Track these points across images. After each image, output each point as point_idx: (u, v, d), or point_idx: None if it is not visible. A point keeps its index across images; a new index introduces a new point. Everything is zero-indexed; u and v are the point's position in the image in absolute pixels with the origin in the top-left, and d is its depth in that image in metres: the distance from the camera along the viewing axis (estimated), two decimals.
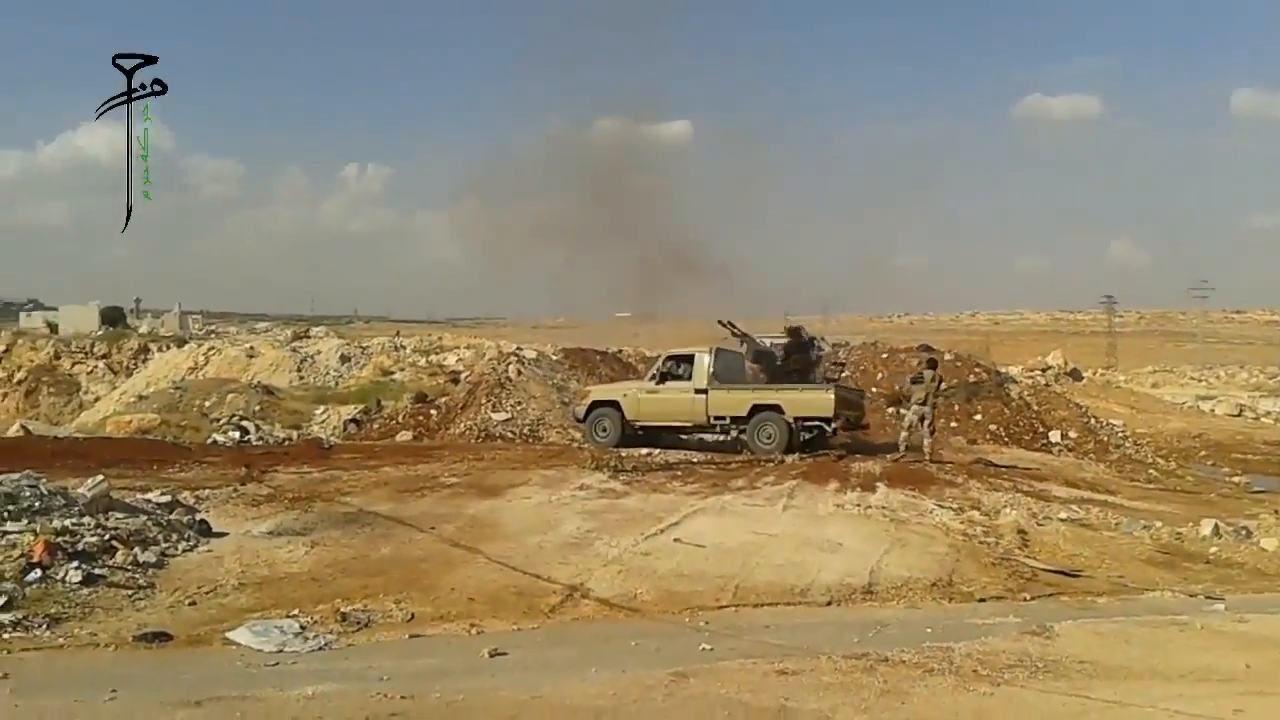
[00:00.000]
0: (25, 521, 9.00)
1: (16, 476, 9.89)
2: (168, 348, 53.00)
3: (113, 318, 65.82)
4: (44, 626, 7.11)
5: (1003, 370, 33.05)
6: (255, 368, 40.58)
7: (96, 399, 49.19)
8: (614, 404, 21.29)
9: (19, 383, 57.03)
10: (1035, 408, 28.05)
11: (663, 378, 21.24)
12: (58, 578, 7.99)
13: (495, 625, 7.74)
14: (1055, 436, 25.97)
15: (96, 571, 8.27)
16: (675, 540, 10.79)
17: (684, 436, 21.25)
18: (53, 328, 65.43)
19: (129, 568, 8.60)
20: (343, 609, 7.82)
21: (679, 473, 16.70)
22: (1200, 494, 18.61)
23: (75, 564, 8.22)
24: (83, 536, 8.87)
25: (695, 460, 18.66)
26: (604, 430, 21.00)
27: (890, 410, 25.61)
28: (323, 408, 31.18)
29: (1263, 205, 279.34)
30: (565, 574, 9.30)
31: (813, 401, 20.07)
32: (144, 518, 9.98)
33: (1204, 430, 29.87)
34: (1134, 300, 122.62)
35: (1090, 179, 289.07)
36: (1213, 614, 8.46)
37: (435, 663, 6.68)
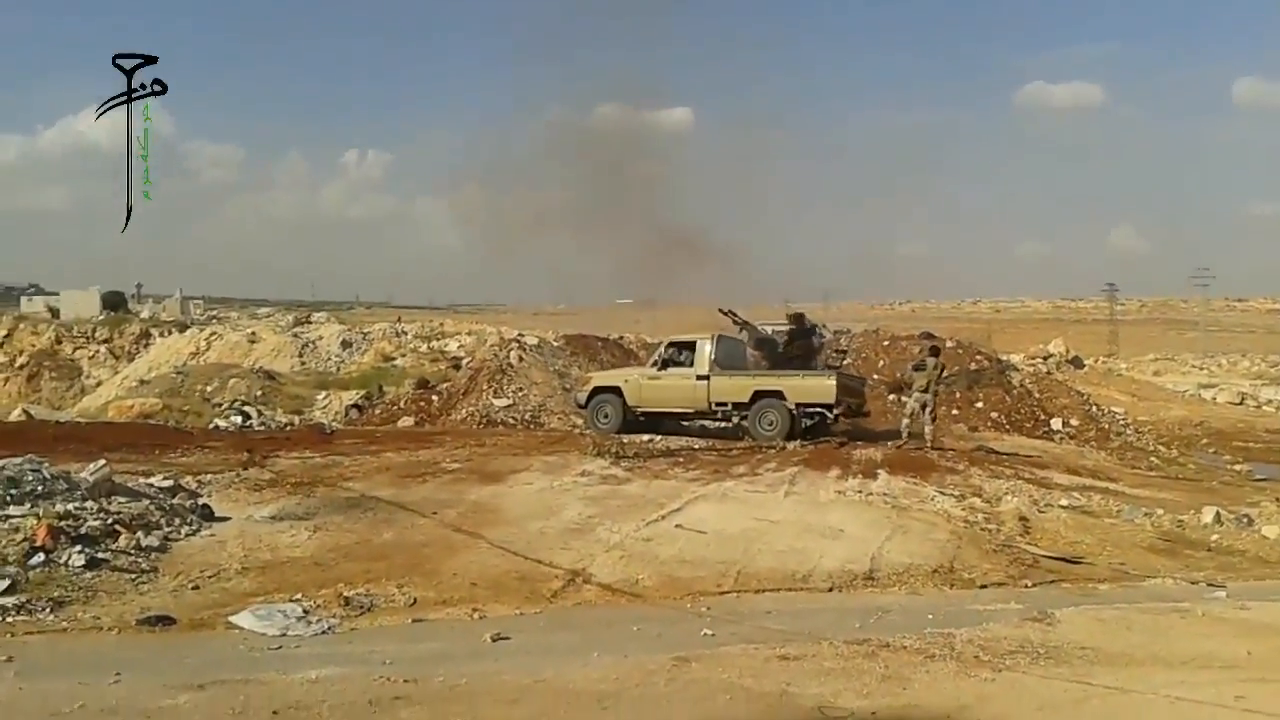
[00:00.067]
0: (28, 505, 9.01)
1: (19, 461, 9.89)
2: (169, 333, 52.98)
3: (114, 302, 65.78)
4: (47, 610, 7.12)
5: (1004, 358, 33.00)
6: (257, 353, 40.59)
7: (98, 384, 49.20)
8: (616, 390, 21.29)
9: (20, 367, 57.04)
10: (1037, 395, 28.04)
11: (664, 364, 21.22)
12: (61, 561, 8.01)
13: (497, 610, 7.74)
14: (1057, 424, 25.97)
15: (99, 555, 8.28)
16: (677, 526, 10.80)
17: (685, 423, 21.24)
18: (54, 312, 65.40)
19: (132, 552, 8.61)
20: (345, 593, 7.83)
21: (680, 459, 16.70)
22: (1202, 481, 18.60)
23: (78, 548, 8.23)
24: (85, 521, 8.88)
25: (697, 447, 18.66)
26: (605, 417, 20.99)
27: (891, 397, 25.62)
28: (324, 393, 31.19)
29: (1264, 193, 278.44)
30: (567, 559, 9.31)
31: (814, 388, 20.06)
32: (146, 502, 10.00)
33: (1205, 418, 29.84)
34: (1135, 288, 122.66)
35: (1091, 166, 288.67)
36: (1214, 601, 8.49)
37: (438, 647, 6.69)
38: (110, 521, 9.06)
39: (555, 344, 32.61)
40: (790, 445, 18.72)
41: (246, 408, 27.47)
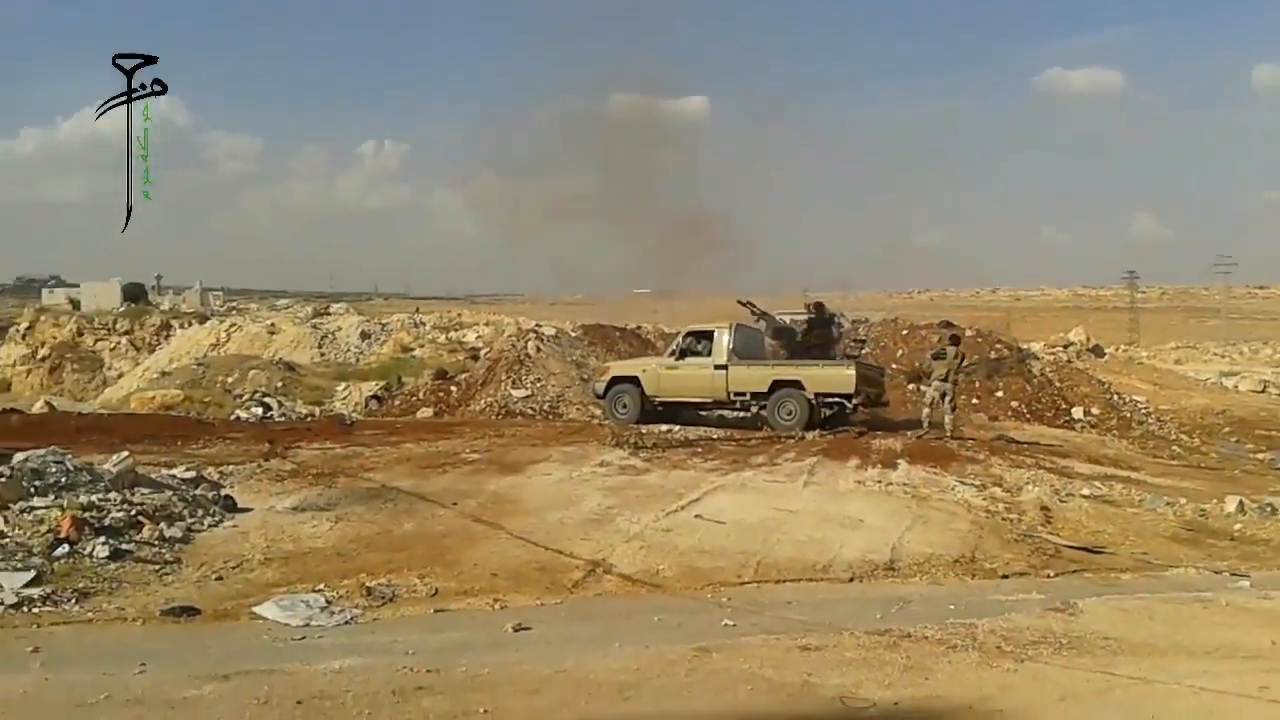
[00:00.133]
0: (52, 497, 9.07)
1: (43, 452, 9.94)
2: (189, 324, 53.27)
3: (134, 294, 66.14)
4: (72, 601, 7.17)
5: (1024, 346, 32.85)
6: (276, 344, 40.81)
7: (120, 375, 49.57)
8: (634, 380, 21.28)
9: (43, 359, 57.55)
10: (1057, 384, 27.91)
11: (682, 354, 21.19)
12: (85, 553, 8.06)
13: (518, 600, 7.76)
14: (1078, 413, 25.85)
15: (123, 547, 8.33)
16: (696, 516, 10.80)
17: (704, 413, 21.25)
18: (75, 304, 65.81)
19: (155, 543, 8.66)
20: (367, 584, 7.86)
21: (699, 449, 16.70)
22: (1224, 470, 18.48)
23: (102, 539, 8.28)
24: (109, 512, 8.94)
25: (715, 437, 18.65)
26: (624, 407, 21.00)
27: (911, 387, 25.56)
28: (344, 384, 31.34)
29: None
30: (587, 550, 9.32)
31: (833, 378, 20.00)
32: (169, 493, 10.05)
33: (1227, 406, 29.56)
34: (1156, 276, 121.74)
35: (1111, 153, 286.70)
36: (1237, 591, 8.45)
37: (459, 637, 6.71)
38: (134, 513, 9.11)
39: (573, 334, 32.64)
40: (809, 435, 18.70)
41: (267, 399, 27.61)
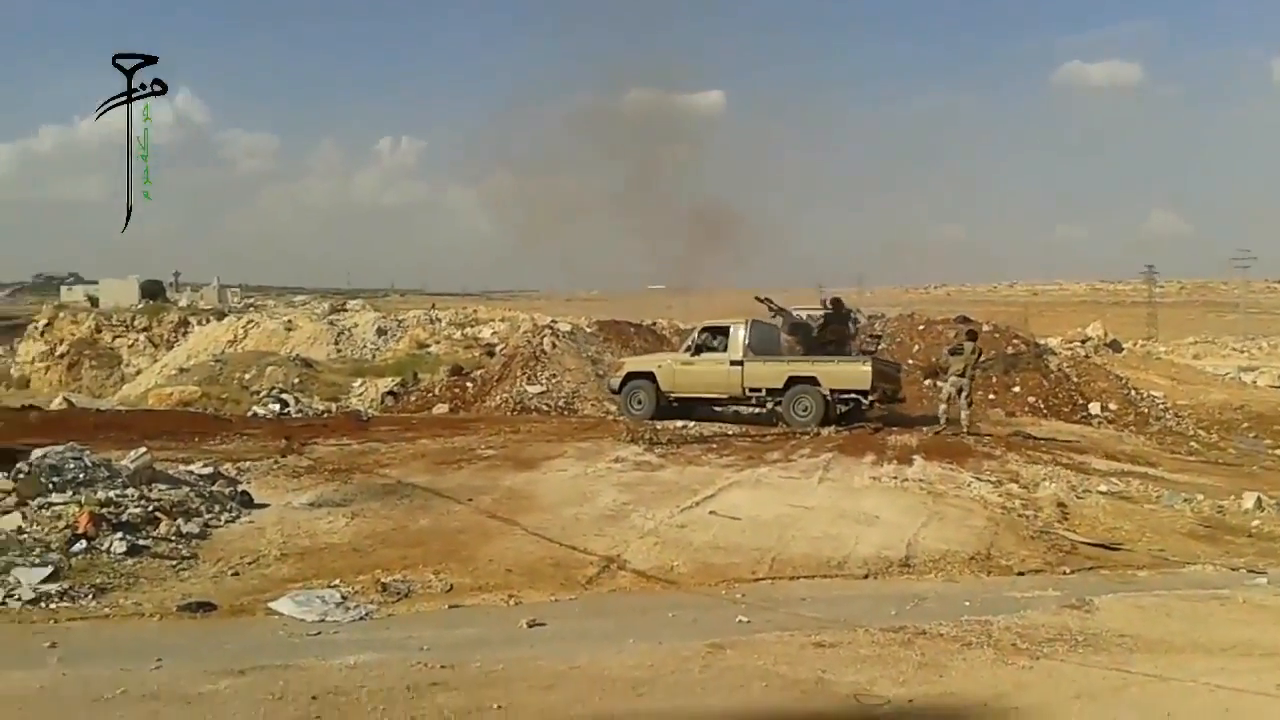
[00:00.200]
0: (70, 493, 9.12)
1: (61, 448, 10.01)
2: (207, 321, 53.59)
3: (152, 291, 66.59)
4: (90, 596, 7.21)
5: (1041, 341, 32.73)
6: (293, 340, 40.98)
7: (138, 372, 49.88)
8: (649, 376, 21.26)
9: (61, 356, 57.95)
10: (1074, 379, 27.80)
11: (698, 350, 21.15)
12: (103, 548, 8.11)
13: (533, 596, 7.76)
14: (1095, 408, 25.74)
15: (140, 542, 8.38)
16: (711, 513, 10.79)
17: (719, 409, 21.22)
18: (93, 301, 66.28)
19: (172, 538, 8.71)
20: (383, 579, 7.88)
21: (714, 445, 16.69)
22: (1242, 466, 18.37)
23: (120, 535, 8.32)
24: (127, 508, 8.99)
25: (730, 433, 18.63)
26: (639, 403, 20.99)
27: (927, 382, 25.50)
28: (360, 380, 31.44)
29: None
30: (602, 546, 9.32)
31: (849, 374, 19.95)
32: (186, 489, 10.10)
33: (1246, 402, 29.36)
34: (1175, 270, 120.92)
35: (1129, 147, 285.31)
36: (1255, 588, 8.40)
37: (474, 633, 6.72)
38: (151, 508, 9.16)
39: (588, 330, 32.69)
40: (825, 431, 18.66)
41: (284, 395, 27.72)
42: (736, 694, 5.51)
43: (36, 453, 9.82)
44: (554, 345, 28.12)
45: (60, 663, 5.70)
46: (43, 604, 6.98)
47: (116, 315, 60.81)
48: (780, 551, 9.33)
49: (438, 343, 38.98)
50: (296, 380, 31.03)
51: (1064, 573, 9.06)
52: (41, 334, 61.06)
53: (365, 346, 40.66)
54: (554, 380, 25.87)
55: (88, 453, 10.16)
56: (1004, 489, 12.64)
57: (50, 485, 9.26)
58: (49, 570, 7.46)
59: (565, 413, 23.55)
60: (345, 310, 50.55)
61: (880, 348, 25.43)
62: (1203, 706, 5.45)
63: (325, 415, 23.40)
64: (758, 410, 20.79)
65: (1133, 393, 27.62)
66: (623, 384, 21.64)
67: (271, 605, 7.20)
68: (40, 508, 8.74)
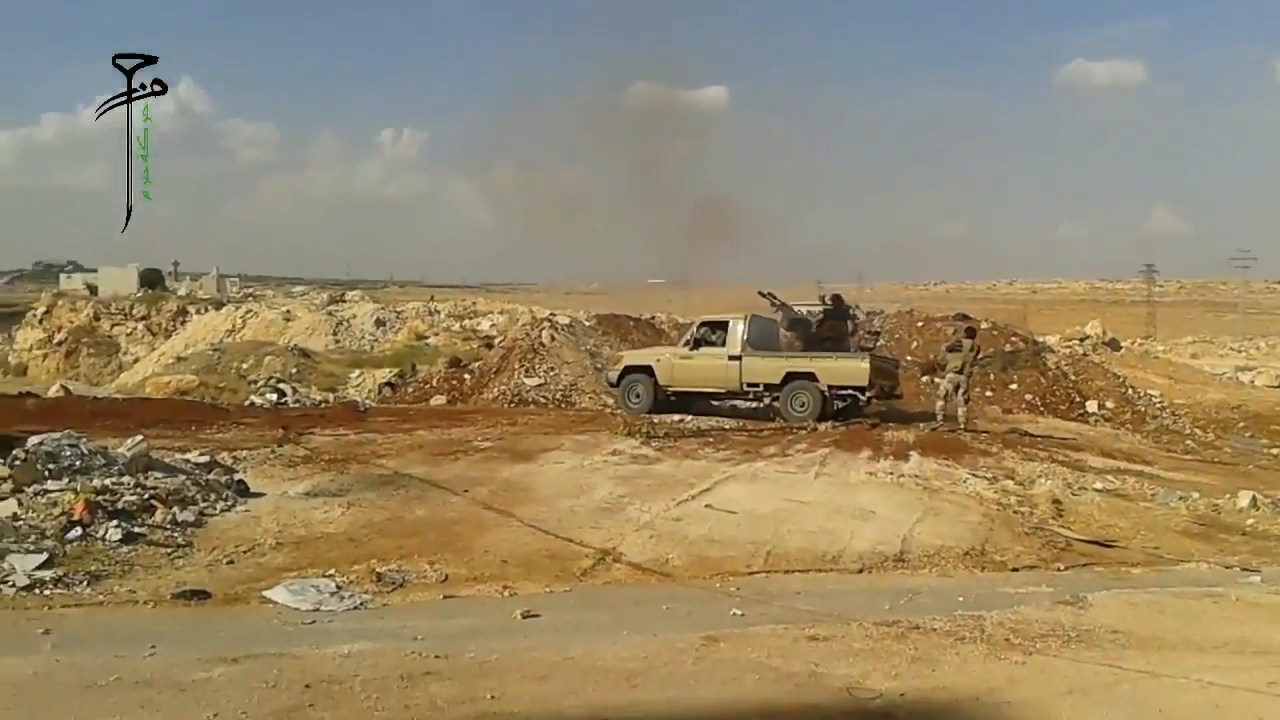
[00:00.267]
0: (66, 480, 9.11)
1: (57, 436, 9.99)
2: (206, 310, 53.59)
3: (151, 280, 66.51)
4: (84, 584, 7.21)
5: (1040, 339, 32.77)
6: (292, 331, 41.01)
7: (135, 360, 49.88)
8: (647, 369, 21.24)
9: (59, 344, 57.95)
10: (1072, 377, 27.81)
11: (696, 344, 21.15)
12: (98, 536, 8.10)
13: (528, 587, 7.77)
14: (1092, 406, 25.77)
15: (136, 530, 8.37)
16: (707, 506, 10.79)
17: (716, 403, 21.23)
18: (92, 289, 66.24)
19: (168, 526, 8.70)
20: (378, 569, 7.89)
21: (711, 439, 16.69)
22: (1238, 465, 18.40)
23: (115, 522, 8.32)
24: (122, 495, 8.98)
25: (727, 427, 18.64)
26: (637, 396, 20.98)
27: (925, 379, 25.50)
28: (358, 371, 31.48)
29: None
30: (597, 538, 9.33)
31: (847, 370, 19.95)
32: (182, 477, 10.09)
33: (1243, 401, 29.41)
34: (1174, 270, 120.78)
35: (1131, 146, 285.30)
36: (1248, 586, 8.41)
37: (469, 623, 6.73)
38: (147, 496, 9.15)
39: (587, 323, 32.66)
40: (822, 426, 18.66)
41: (282, 385, 27.77)
42: (730, 686, 5.52)
43: (33, 440, 9.81)
44: (552, 338, 28.10)
45: (54, 649, 5.71)
46: (37, 591, 6.99)
47: (115, 304, 60.81)
48: (775, 545, 9.34)
49: (436, 334, 39.04)
50: (294, 370, 31.07)
51: (1058, 569, 9.07)
52: (40, 321, 61.07)
53: (363, 337, 40.71)
54: (552, 373, 25.85)
55: (84, 440, 10.15)
56: (999, 485, 12.64)
57: (46, 472, 9.25)
58: (44, 557, 7.46)
59: (563, 405, 23.54)
60: (344, 301, 50.60)
61: (879, 344, 25.44)
62: (1194, 703, 5.46)
63: (322, 405, 23.41)
64: (755, 405, 20.77)
65: (1130, 391, 27.65)
66: (621, 377, 21.63)
67: (266, 594, 7.21)
68: (36, 494, 8.73)
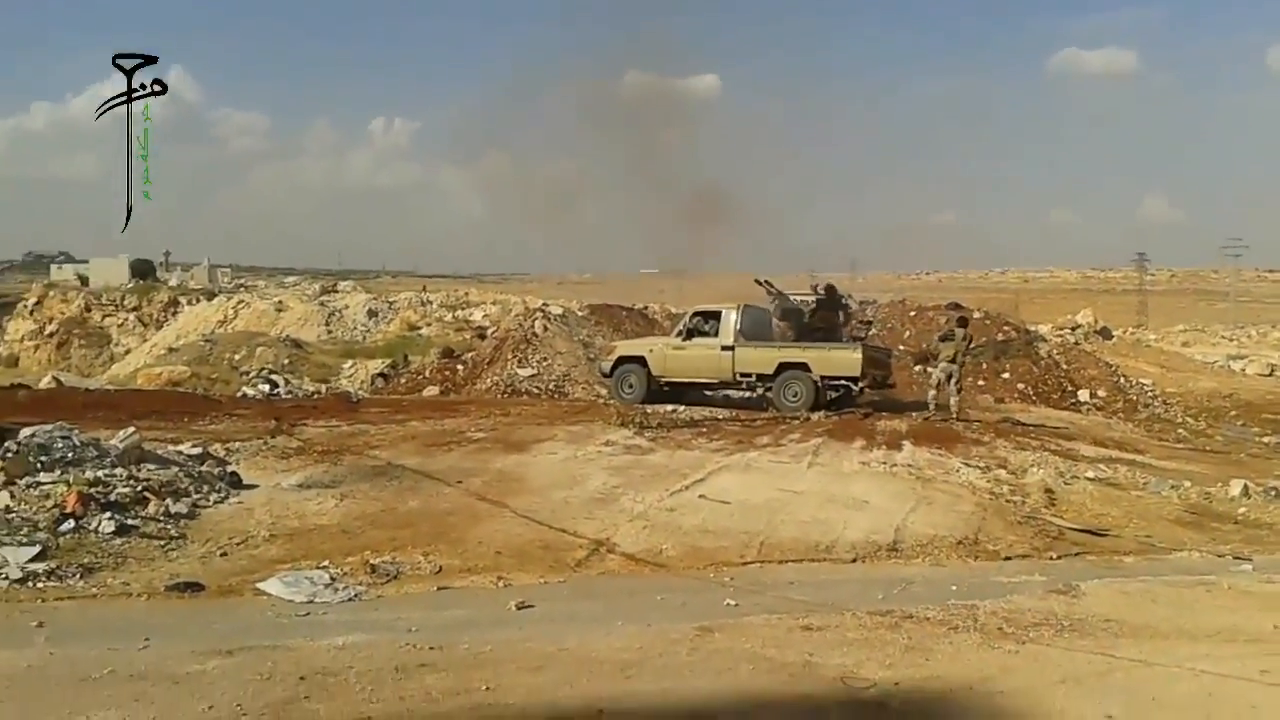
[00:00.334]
0: (58, 472, 9.10)
1: (49, 428, 9.98)
2: (197, 301, 53.46)
3: (142, 271, 66.26)
4: (78, 576, 7.20)
5: (1032, 328, 32.83)
6: (284, 321, 40.92)
7: (127, 351, 49.76)
8: (640, 360, 21.22)
9: (50, 335, 57.74)
10: (1064, 366, 27.89)
11: (689, 334, 21.12)
12: (91, 528, 8.09)
13: (522, 578, 7.78)
14: (1084, 395, 25.85)
15: (129, 522, 8.36)
16: (700, 496, 10.80)
17: (709, 393, 21.21)
18: (83, 280, 66.03)
19: (161, 518, 8.69)
20: (372, 561, 7.89)
21: (704, 429, 16.70)
22: (1230, 454, 18.44)
23: (108, 514, 8.31)
24: (115, 487, 8.97)
25: (721, 417, 18.65)
26: (630, 386, 20.96)
27: (918, 368, 25.54)
28: (350, 362, 31.44)
29: None
30: (591, 529, 9.34)
31: (840, 360, 19.95)
32: (175, 469, 10.08)
33: (1234, 390, 29.54)
34: (1166, 258, 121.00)
35: (1123, 134, 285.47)
36: (1240, 574, 8.45)
37: (463, 614, 6.74)
38: (140, 488, 9.14)
39: (580, 314, 32.66)
40: (815, 416, 18.68)
41: (274, 376, 27.71)
42: (724, 676, 5.53)
43: (25, 431, 9.80)
44: (545, 328, 28.09)
45: (47, 642, 5.70)
46: (30, 583, 6.97)
47: (106, 294, 60.58)
48: (769, 535, 9.35)
49: (429, 325, 38.99)
50: (286, 361, 31.02)
51: (1050, 558, 9.11)
52: (31, 312, 60.81)
53: (356, 328, 40.64)
54: (545, 363, 25.86)
55: (76, 432, 10.14)
56: (992, 475, 12.67)
57: (38, 464, 9.24)
58: (36, 549, 7.45)
59: (556, 396, 23.54)
60: (336, 292, 50.49)
61: (871, 334, 25.44)
62: (1187, 691, 5.48)
63: (315, 396, 23.37)
64: (748, 395, 20.80)
65: (1122, 380, 27.74)
66: (614, 368, 21.60)
67: (260, 586, 7.20)
68: (28, 487, 8.72)
